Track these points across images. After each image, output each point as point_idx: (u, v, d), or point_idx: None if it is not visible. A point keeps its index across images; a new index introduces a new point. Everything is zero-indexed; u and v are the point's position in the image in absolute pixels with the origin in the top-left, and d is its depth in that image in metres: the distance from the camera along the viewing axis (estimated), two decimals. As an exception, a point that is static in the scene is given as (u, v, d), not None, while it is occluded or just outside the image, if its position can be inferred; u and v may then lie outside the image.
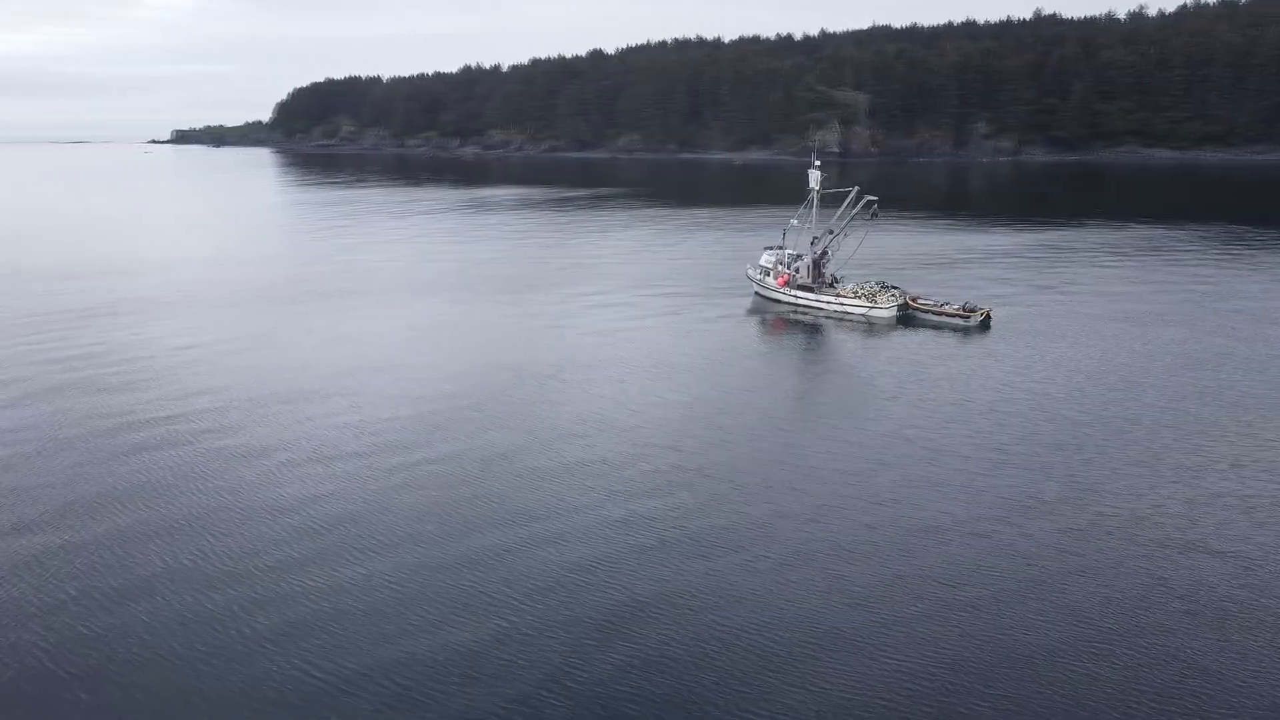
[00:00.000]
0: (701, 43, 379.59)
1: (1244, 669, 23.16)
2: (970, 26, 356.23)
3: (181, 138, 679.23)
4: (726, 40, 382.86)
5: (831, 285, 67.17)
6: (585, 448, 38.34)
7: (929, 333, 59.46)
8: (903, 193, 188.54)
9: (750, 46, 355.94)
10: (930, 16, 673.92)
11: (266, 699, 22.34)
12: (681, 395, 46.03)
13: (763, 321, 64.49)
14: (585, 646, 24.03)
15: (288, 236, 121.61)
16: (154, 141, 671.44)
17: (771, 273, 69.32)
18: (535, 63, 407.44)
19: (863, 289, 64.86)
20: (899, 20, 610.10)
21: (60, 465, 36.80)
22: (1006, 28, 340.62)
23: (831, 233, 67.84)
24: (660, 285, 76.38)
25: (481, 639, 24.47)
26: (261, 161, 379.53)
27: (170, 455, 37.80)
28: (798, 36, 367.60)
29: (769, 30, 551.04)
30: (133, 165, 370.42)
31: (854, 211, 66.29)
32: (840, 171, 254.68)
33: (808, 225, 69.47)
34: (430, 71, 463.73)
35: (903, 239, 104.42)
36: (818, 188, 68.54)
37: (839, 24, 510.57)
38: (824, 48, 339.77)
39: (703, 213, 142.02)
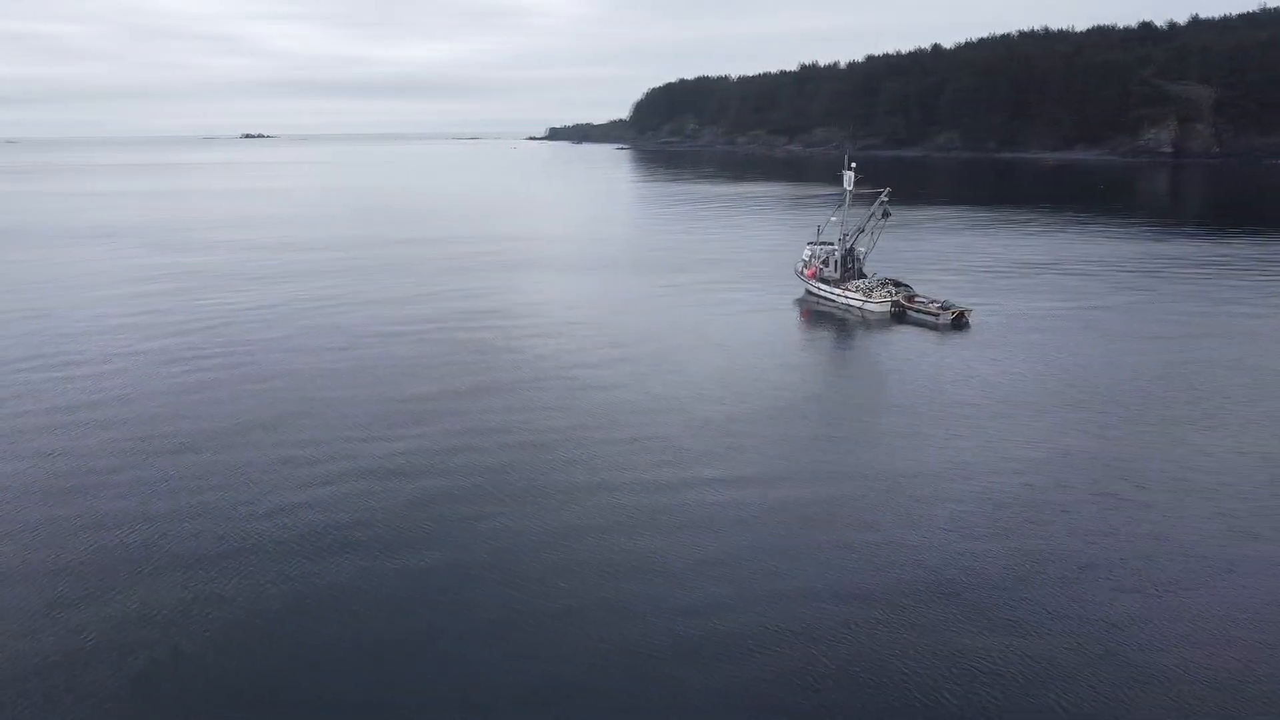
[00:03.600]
0: (1046, 34, 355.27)
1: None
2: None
3: (553, 134, 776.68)
4: (1079, 30, 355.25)
5: (858, 279, 70.52)
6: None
7: (904, 329, 61.90)
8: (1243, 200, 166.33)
9: (1095, 38, 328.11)
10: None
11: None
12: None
13: (798, 311, 69.49)
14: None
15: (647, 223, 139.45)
16: (531, 138, 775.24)
17: (806, 266, 74.12)
18: (870, 59, 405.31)
19: (863, 285, 67.98)
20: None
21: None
22: None
23: (861, 230, 71.39)
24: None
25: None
26: (609, 157, 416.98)
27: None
28: (1160, 24, 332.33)
29: (1130, 19, 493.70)
30: (505, 159, 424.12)
31: (873, 210, 69.45)
32: (1170, 174, 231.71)
33: (842, 222, 73.26)
34: (775, 70, 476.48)
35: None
36: (850, 188, 72.26)
37: (1216, 8, 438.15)
38: (1183, 36, 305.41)
39: (1017, 215, 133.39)
